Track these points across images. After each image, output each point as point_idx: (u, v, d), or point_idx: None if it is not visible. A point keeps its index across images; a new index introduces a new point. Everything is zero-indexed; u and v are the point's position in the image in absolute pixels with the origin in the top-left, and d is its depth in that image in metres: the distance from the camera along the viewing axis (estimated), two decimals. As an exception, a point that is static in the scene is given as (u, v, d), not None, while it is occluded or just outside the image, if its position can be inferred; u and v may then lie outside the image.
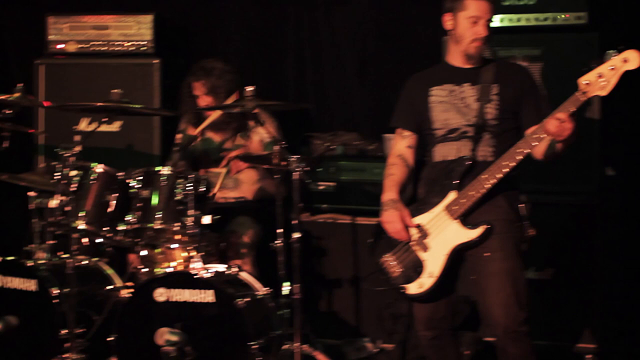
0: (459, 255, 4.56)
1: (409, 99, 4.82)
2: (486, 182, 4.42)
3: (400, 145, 4.81)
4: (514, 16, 5.90)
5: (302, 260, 5.09)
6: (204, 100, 6.02)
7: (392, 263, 4.67)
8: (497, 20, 5.85)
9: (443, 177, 4.59)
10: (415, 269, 4.59)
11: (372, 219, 5.92)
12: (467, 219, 4.51)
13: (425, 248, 4.58)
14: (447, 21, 4.67)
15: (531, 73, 4.81)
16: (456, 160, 4.58)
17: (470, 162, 4.53)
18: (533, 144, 4.35)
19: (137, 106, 5.47)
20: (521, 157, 4.37)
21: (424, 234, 4.59)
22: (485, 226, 4.46)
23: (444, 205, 4.54)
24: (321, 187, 6.26)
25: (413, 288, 4.60)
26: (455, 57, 4.70)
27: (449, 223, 4.53)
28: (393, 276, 4.66)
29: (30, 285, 5.23)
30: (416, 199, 4.76)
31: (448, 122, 4.63)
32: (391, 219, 4.60)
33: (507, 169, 4.38)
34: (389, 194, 4.67)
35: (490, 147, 4.57)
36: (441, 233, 4.55)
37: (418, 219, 4.61)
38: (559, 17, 5.84)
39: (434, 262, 4.55)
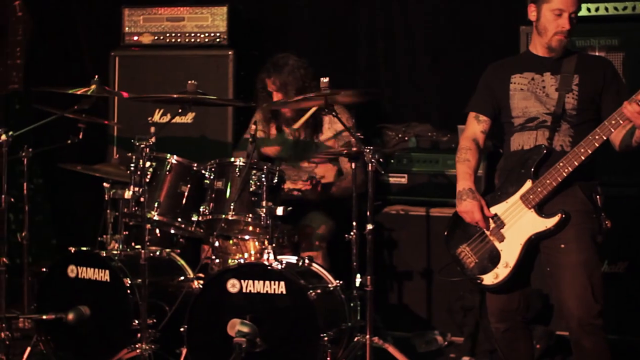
0: (534, 246, 4.51)
1: (488, 84, 4.76)
2: (563, 170, 4.36)
3: (476, 128, 4.75)
4: (592, 5, 5.79)
5: (374, 252, 5.05)
6: (277, 96, 6.00)
7: (467, 254, 4.63)
8: (574, 10, 5.75)
9: (519, 166, 4.54)
10: (491, 259, 4.54)
11: (444, 210, 5.94)
12: (543, 208, 4.46)
13: (501, 238, 4.53)
14: (531, 12, 4.61)
15: (613, 65, 4.72)
16: (533, 149, 4.52)
17: (547, 151, 4.47)
18: (611, 129, 4.28)
19: (211, 97, 5.47)
20: (598, 144, 4.30)
21: (500, 223, 4.54)
22: (561, 215, 4.39)
23: (520, 195, 4.49)
24: (394, 179, 6.23)
25: (489, 278, 4.56)
26: (538, 47, 4.64)
27: (525, 212, 4.48)
28: (469, 267, 4.63)
29: (104, 275, 5.28)
30: (492, 188, 4.71)
31: (527, 110, 4.58)
32: (469, 209, 4.56)
33: (584, 157, 4.32)
34: (466, 182, 4.61)
35: (568, 137, 4.50)
36: (517, 222, 4.50)
37: (494, 209, 4.56)
38: (638, 5, 5.72)
39: (509, 252, 4.50)
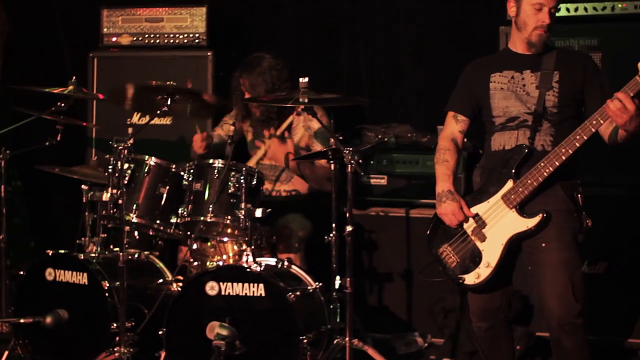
0: (516, 245, 4.52)
1: (467, 84, 4.77)
2: (544, 170, 4.37)
3: (454, 128, 4.76)
4: (572, 5, 5.80)
5: (353, 254, 5.03)
6: (247, 96, 5.96)
7: (449, 253, 4.63)
8: (553, 10, 5.75)
9: (500, 166, 4.56)
10: (472, 259, 4.56)
11: (424, 211, 5.93)
12: (524, 208, 4.48)
13: (482, 238, 4.54)
14: (511, 7, 4.61)
15: (592, 59, 4.74)
16: (514, 149, 4.54)
17: (528, 151, 4.47)
18: (592, 129, 4.29)
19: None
20: (579, 144, 4.31)
21: (481, 223, 4.55)
22: (542, 215, 4.41)
23: (501, 195, 4.51)
24: (374, 180, 6.22)
25: (470, 278, 4.57)
26: (517, 44, 4.64)
27: (506, 212, 4.50)
28: (450, 267, 4.63)
29: (82, 278, 5.25)
30: (472, 188, 4.72)
31: (507, 109, 4.59)
32: (449, 211, 4.56)
33: (565, 157, 4.33)
34: (445, 184, 4.62)
35: (549, 137, 4.51)
36: (498, 222, 4.52)
37: (475, 209, 4.58)
38: (617, 6, 5.72)
39: (491, 252, 4.51)
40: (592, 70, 4.61)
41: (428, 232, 4.75)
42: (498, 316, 4.70)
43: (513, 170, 4.48)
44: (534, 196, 4.45)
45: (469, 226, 4.59)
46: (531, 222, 4.43)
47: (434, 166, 4.72)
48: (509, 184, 4.49)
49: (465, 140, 4.81)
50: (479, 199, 4.59)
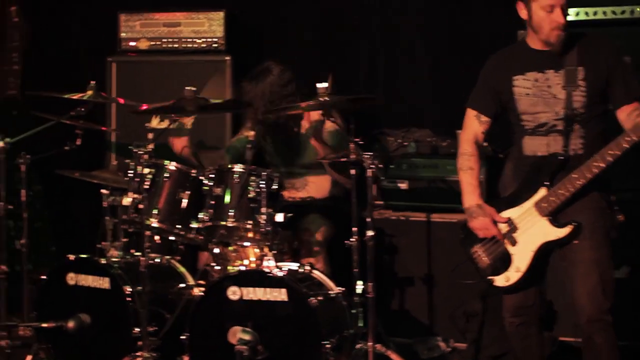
0: (547, 251, 4.53)
1: (489, 83, 4.73)
2: (576, 182, 4.37)
3: (477, 129, 4.74)
4: (590, 9, 5.78)
5: (375, 258, 5.02)
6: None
7: (481, 254, 4.63)
8: (572, 14, 5.73)
9: (534, 173, 4.55)
10: (503, 261, 4.57)
11: (445, 216, 5.92)
12: (556, 216, 4.47)
13: (513, 242, 4.54)
14: (521, 10, 4.57)
15: (614, 45, 4.62)
16: (548, 157, 4.52)
17: (563, 159, 4.46)
18: (625, 145, 4.26)
19: (214, 101, 5.47)
20: (611, 159, 4.29)
21: (513, 227, 4.56)
22: (572, 226, 4.42)
23: (534, 202, 4.51)
24: (394, 185, 6.21)
25: (500, 280, 4.60)
26: (536, 42, 4.58)
27: (538, 220, 4.50)
28: (482, 267, 4.63)
29: (104, 283, 5.25)
30: (495, 193, 4.72)
31: (536, 116, 4.56)
32: (482, 226, 4.57)
33: (597, 170, 4.32)
34: (473, 197, 4.63)
35: (580, 139, 4.49)
36: (530, 229, 4.52)
37: (508, 213, 4.58)
38: (636, 10, 5.71)
39: (521, 257, 4.52)
40: (615, 62, 4.53)
41: (461, 233, 4.75)
42: (531, 313, 4.71)
43: (547, 179, 4.47)
44: (566, 205, 4.45)
45: (501, 229, 4.58)
46: (562, 232, 4.44)
47: (458, 172, 4.71)
48: (542, 191, 4.48)
49: (485, 144, 4.80)
50: (512, 203, 4.58)
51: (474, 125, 4.74)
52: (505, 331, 4.84)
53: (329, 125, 5.84)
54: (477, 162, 4.68)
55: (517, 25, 4.87)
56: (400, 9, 6.94)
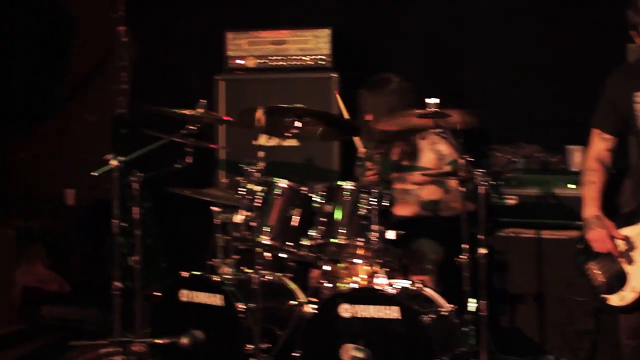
0: None
1: (611, 100, 4.68)
2: None
3: (600, 147, 4.70)
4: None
5: (486, 276, 5.00)
6: (367, 117, 5.94)
7: (596, 271, 4.57)
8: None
9: None
10: (618, 280, 4.51)
11: (555, 232, 5.85)
12: None
13: (630, 261, 4.49)
14: (637, 39, 4.51)
15: None
16: None
17: None
18: None
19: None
20: None
21: (630, 246, 4.49)
22: None
23: None
24: (503, 201, 6.17)
25: (615, 300, 4.54)
26: None
27: None
28: (596, 284, 4.56)
29: (216, 300, 5.30)
30: (620, 205, 4.66)
31: None
32: (598, 238, 4.52)
33: None
34: (592, 209, 4.58)
35: None
36: None
37: (625, 231, 4.52)
38: None
39: (638, 277, 4.44)
40: None
41: (577, 247, 4.70)
42: None
43: None
44: None
45: (618, 246, 4.52)
46: None
47: (580, 188, 4.67)
48: None
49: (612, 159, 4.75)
50: (629, 221, 4.52)
51: (597, 143, 4.71)
52: (621, 352, 4.78)
53: (443, 149, 5.83)
54: (600, 177, 4.64)
55: (626, 37, 4.79)
56: (507, 21, 6.91)
